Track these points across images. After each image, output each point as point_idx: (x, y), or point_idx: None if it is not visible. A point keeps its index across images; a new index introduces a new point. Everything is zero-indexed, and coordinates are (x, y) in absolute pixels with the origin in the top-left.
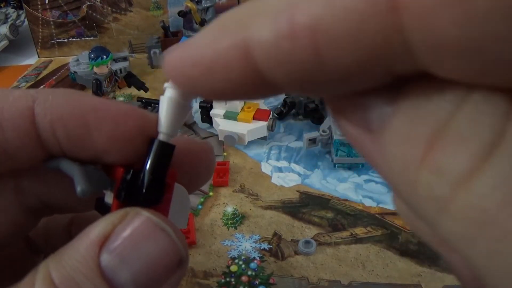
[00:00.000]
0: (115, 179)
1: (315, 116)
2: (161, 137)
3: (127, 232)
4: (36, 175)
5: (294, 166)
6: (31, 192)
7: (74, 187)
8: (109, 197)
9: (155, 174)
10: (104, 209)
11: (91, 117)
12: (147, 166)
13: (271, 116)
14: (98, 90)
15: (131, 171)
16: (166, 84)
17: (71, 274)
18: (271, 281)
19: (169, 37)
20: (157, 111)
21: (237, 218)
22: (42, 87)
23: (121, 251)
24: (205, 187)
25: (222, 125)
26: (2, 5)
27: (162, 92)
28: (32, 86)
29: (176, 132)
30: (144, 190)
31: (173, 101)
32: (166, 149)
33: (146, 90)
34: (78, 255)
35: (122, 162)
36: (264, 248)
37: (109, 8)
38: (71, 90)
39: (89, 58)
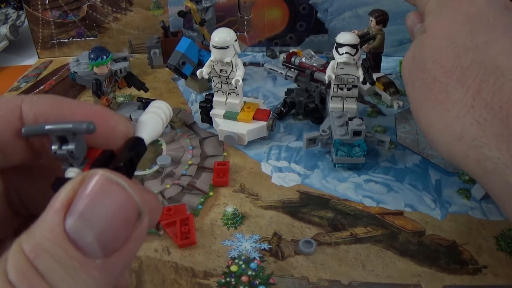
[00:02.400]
0: (89, 158)
1: (315, 116)
2: (141, 136)
3: (85, 193)
4: (19, 173)
5: (294, 166)
6: (14, 190)
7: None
8: (70, 172)
9: (130, 165)
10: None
11: (67, 112)
12: (127, 149)
13: (271, 116)
14: (98, 90)
15: (111, 152)
16: (151, 109)
17: (39, 242)
18: (271, 281)
19: (169, 37)
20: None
21: (237, 218)
22: (42, 87)
23: (81, 212)
24: (205, 187)
25: (222, 125)
26: (2, 6)
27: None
28: (32, 87)
29: (152, 139)
30: (121, 164)
31: (153, 117)
32: (142, 146)
33: (146, 90)
34: (45, 224)
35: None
36: (264, 248)
37: (110, 7)
38: (53, 95)
39: (89, 58)
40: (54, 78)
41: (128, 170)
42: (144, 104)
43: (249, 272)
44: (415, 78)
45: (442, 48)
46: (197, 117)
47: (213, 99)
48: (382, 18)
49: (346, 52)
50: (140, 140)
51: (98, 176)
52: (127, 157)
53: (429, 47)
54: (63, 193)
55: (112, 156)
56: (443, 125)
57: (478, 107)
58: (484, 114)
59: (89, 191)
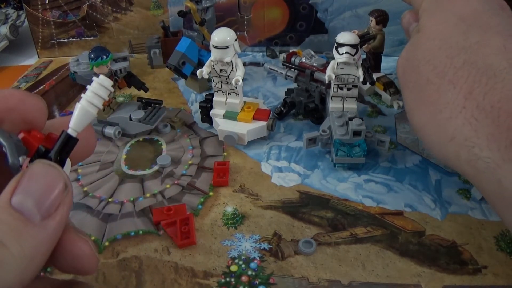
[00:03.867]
0: (29, 148)
1: (315, 116)
2: (69, 131)
3: (26, 175)
4: None
5: (294, 166)
6: None
7: (6, 157)
8: (21, 160)
9: (60, 156)
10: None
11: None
12: (56, 148)
13: (271, 116)
14: None
15: (44, 149)
16: (82, 94)
17: None
18: (271, 281)
19: (169, 37)
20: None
21: (237, 218)
22: (42, 87)
23: (23, 188)
24: (205, 187)
25: (222, 125)
26: (2, 6)
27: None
28: (32, 86)
29: (81, 129)
30: (50, 155)
31: (83, 108)
32: (71, 140)
33: (146, 90)
34: None
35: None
36: (264, 248)
37: (110, 7)
38: None
39: (89, 58)
40: (54, 78)
41: (59, 158)
42: (144, 104)
43: (249, 272)
44: (409, 79)
45: (435, 48)
46: (197, 117)
47: (213, 99)
48: (382, 18)
49: (346, 52)
50: (66, 134)
51: (37, 161)
52: (56, 149)
53: (423, 48)
54: (9, 184)
55: (46, 153)
56: (436, 126)
57: (470, 108)
58: (476, 115)
59: (30, 173)
